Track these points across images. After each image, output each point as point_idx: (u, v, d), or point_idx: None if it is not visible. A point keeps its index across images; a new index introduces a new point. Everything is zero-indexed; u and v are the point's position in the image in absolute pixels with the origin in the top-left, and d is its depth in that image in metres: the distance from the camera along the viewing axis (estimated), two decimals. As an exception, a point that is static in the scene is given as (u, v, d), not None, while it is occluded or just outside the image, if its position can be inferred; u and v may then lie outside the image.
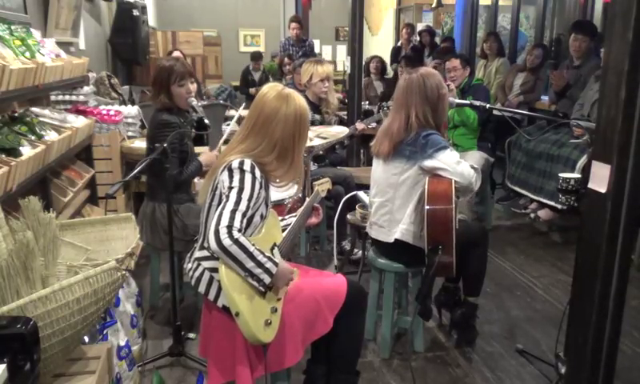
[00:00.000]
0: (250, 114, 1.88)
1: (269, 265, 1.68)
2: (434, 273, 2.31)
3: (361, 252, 3.43)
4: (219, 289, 1.76)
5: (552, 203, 4.03)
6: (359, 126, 4.04)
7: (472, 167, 2.44)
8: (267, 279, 1.68)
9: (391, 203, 2.47)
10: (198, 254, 1.85)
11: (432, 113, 2.42)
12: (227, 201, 1.69)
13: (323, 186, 2.39)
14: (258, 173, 1.78)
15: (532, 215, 4.47)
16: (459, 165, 2.37)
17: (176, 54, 5.25)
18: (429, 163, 2.37)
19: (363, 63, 7.34)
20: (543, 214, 4.39)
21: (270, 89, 1.88)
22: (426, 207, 2.28)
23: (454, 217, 2.28)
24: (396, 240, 2.46)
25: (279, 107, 1.82)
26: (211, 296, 1.79)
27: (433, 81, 2.44)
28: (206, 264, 1.80)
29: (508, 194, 5.04)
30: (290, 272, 1.83)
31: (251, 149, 1.82)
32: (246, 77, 7.65)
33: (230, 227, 1.62)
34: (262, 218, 1.85)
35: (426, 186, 2.33)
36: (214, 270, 1.76)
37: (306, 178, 2.01)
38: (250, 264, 1.64)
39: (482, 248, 2.63)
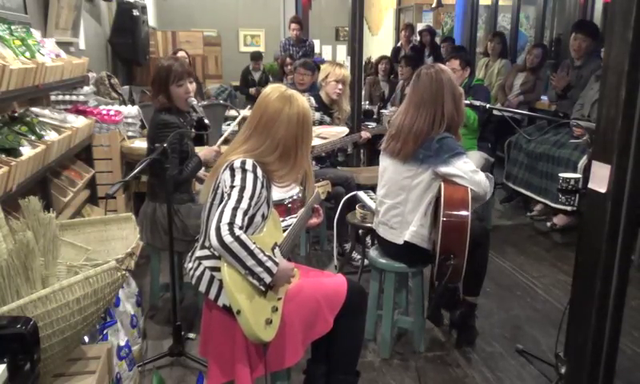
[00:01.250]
0: (253, 114, 1.88)
1: (269, 264, 1.68)
2: (447, 281, 2.29)
3: (360, 258, 3.43)
4: (220, 288, 1.77)
5: (559, 206, 4.01)
6: (364, 134, 4.04)
7: (487, 176, 2.40)
8: (268, 278, 1.68)
9: (403, 206, 2.45)
10: (199, 253, 1.85)
11: (457, 112, 2.40)
12: (229, 199, 1.69)
13: (323, 189, 2.39)
14: (259, 172, 1.78)
15: (548, 224, 4.41)
16: (476, 174, 2.32)
17: (180, 54, 5.26)
18: (444, 169, 2.32)
19: (372, 62, 7.37)
20: (558, 220, 4.35)
21: (273, 90, 1.88)
22: (442, 214, 2.22)
23: (469, 226, 2.23)
24: (405, 242, 2.45)
25: (282, 108, 1.83)
26: (212, 295, 1.79)
27: (455, 80, 2.42)
28: (206, 263, 1.81)
29: (510, 194, 5.04)
30: (291, 270, 1.83)
31: (253, 149, 1.82)
32: (246, 77, 7.65)
33: (231, 224, 1.63)
34: (264, 217, 1.86)
35: (442, 193, 2.28)
36: (215, 269, 1.76)
37: (310, 180, 2.01)
38: (250, 262, 1.64)
39: (484, 248, 2.62)
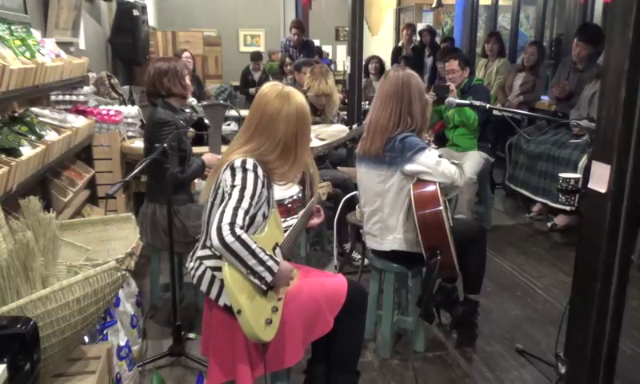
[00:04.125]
0: (252, 114, 1.88)
1: (270, 263, 1.68)
2: (435, 277, 2.30)
3: (360, 257, 3.43)
4: (221, 288, 1.77)
5: (560, 206, 4.00)
6: None
7: (453, 163, 2.42)
8: (269, 277, 1.68)
9: (381, 211, 2.45)
10: (200, 252, 1.85)
11: (421, 114, 2.41)
12: (230, 199, 1.70)
13: (323, 189, 2.39)
14: (260, 172, 1.79)
15: (549, 224, 4.41)
16: (439, 165, 2.34)
17: (185, 55, 5.30)
18: (409, 167, 2.34)
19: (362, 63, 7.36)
20: (559, 220, 4.35)
21: (270, 89, 1.89)
22: (416, 215, 2.27)
23: (445, 218, 2.27)
24: (393, 250, 2.45)
25: (281, 107, 1.83)
26: (212, 295, 1.79)
27: (422, 84, 2.45)
28: (208, 263, 1.81)
29: (513, 195, 5.03)
30: (290, 271, 1.83)
31: (254, 149, 1.83)
32: (246, 77, 7.65)
33: (232, 224, 1.63)
34: (265, 217, 1.86)
35: (412, 193, 2.32)
36: (216, 268, 1.76)
37: (314, 177, 2.02)
38: (251, 261, 1.64)
39: (481, 245, 2.63)
